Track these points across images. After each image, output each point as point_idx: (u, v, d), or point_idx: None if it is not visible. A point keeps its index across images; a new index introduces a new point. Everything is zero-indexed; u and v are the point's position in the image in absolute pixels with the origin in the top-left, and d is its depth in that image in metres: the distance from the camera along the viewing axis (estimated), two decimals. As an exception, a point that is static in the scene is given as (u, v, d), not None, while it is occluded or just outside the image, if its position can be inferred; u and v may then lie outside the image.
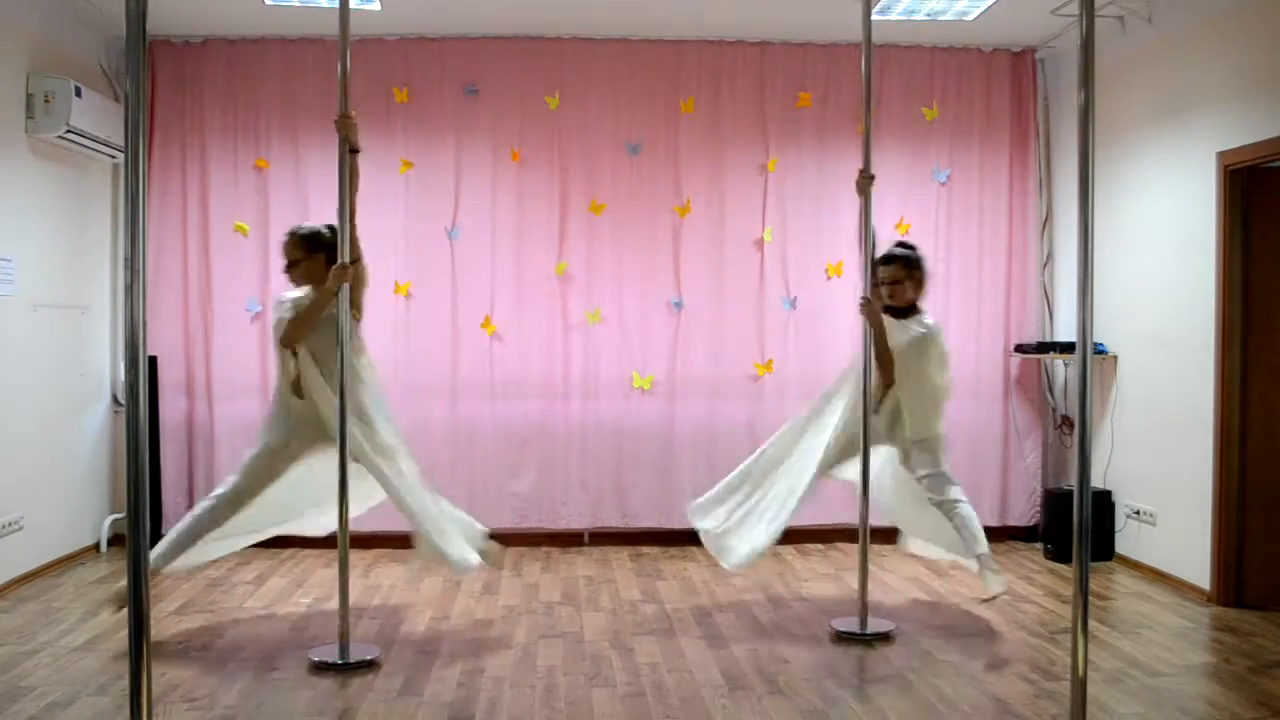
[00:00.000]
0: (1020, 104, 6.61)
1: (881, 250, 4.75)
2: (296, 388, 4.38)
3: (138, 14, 2.36)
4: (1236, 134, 4.93)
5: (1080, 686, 3.03)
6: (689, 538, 6.35)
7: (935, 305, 6.48)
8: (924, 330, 4.68)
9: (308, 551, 6.11)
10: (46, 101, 5.33)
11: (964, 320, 6.52)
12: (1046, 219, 6.68)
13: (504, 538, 6.32)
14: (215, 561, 4.83)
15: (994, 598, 4.53)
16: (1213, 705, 3.74)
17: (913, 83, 6.53)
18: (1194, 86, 5.27)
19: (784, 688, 3.90)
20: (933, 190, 6.54)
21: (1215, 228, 5.05)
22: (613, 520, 6.41)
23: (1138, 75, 5.75)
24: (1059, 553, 6.00)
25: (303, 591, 5.29)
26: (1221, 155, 5.01)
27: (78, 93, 5.42)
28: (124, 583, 4.17)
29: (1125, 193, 5.87)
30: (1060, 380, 6.63)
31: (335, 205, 4.16)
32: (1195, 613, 4.93)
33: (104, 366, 6.26)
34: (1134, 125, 5.78)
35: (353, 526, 4.22)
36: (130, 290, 2.40)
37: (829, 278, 6.46)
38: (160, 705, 3.64)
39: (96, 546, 6.11)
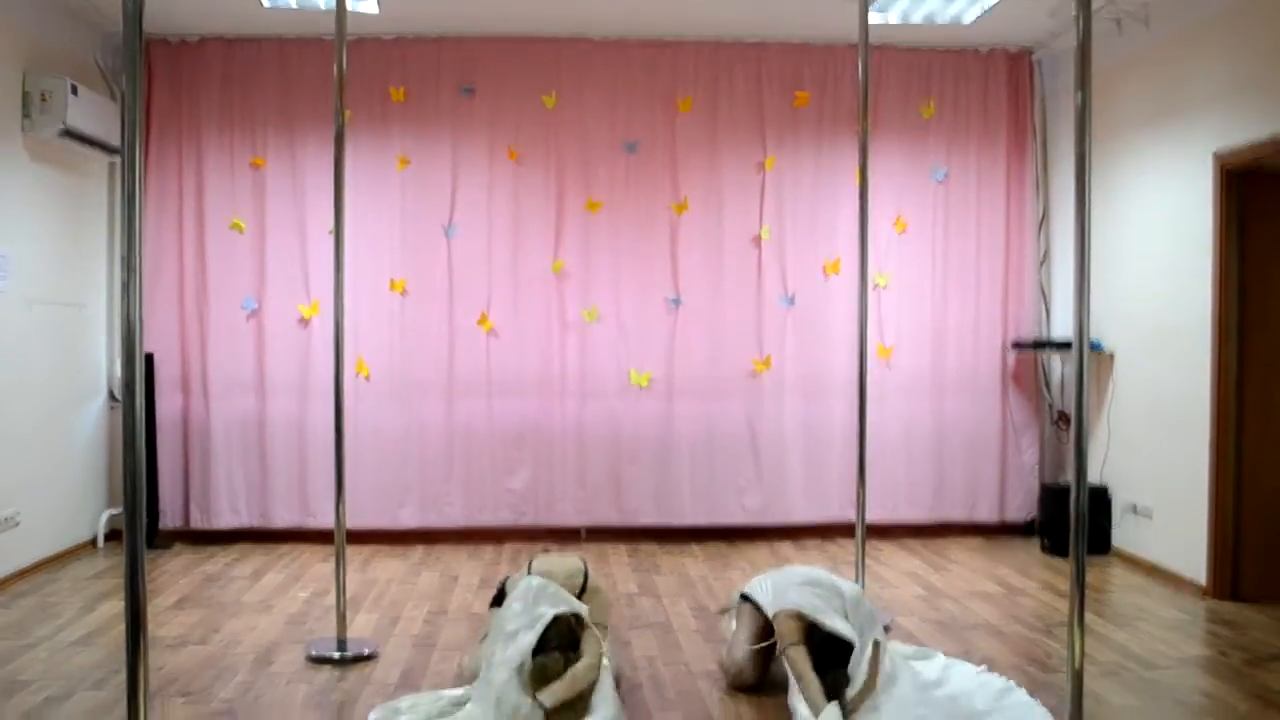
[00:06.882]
0: (1017, 104, 6.63)
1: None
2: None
3: (134, 13, 2.36)
4: (1233, 134, 4.94)
5: (1077, 679, 3.04)
6: (686, 534, 6.41)
7: (933, 302, 6.53)
8: None
9: (305, 546, 6.13)
10: (43, 100, 5.34)
11: (962, 317, 6.54)
12: (1043, 217, 6.69)
13: (501, 534, 6.41)
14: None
15: None
16: (1208, 698, 3.75)
17: (910, 82, 6.55)
18: (1190, 87, 5.28)
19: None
20: (930, 189, 6.56)
21: (1211, 227, 5.07)
22: (610, 517, 6.41)
23: (1134, 76, 5.77)
24: (1056, 547, 6.02)
25: (300, 585, 5.29)
26: (1218, 155, 5.03)
27: (74, 91, 5.43)
28: None
29: (1122, 192, 5.88)
30: (1057, 376, 6.64)
31: (331, 203, 4.18)
32: (1191, 606, 4.94)
33: (100, 363, 6.26)
34: (1131, 125, 5.79)
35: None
36: (127, 288, 2.40)
37: (827, 275, 6.47)
38: (157, 699, 3.65)
39: (93, 542, 6.11)
